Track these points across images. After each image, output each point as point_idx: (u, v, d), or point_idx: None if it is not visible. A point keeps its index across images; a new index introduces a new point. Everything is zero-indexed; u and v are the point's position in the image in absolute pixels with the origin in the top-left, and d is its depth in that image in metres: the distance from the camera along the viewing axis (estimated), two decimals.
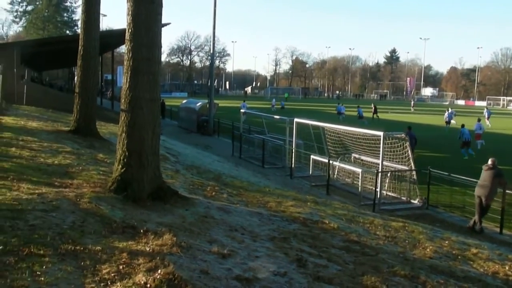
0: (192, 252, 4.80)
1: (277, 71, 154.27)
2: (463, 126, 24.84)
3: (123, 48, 55.30)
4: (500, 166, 11.68)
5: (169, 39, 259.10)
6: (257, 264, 4.88)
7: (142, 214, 6.00)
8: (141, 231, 5.19)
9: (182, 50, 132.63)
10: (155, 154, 7.02)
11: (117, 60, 55.05)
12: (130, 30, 6.77)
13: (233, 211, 7.40)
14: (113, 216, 5.59)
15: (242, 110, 27.99)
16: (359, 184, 13.84)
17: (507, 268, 6.74)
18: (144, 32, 6.75)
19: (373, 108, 45.28)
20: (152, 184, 6.88)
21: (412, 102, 76.74)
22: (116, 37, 29.64)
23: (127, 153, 6.75)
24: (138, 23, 6.74)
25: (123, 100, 6.89)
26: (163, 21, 7.49)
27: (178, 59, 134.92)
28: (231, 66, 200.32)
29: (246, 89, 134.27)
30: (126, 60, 6.85)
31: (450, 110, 40.78)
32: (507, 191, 11.35)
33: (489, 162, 11.49)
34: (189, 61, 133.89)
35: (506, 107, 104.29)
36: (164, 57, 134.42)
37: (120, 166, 6.77)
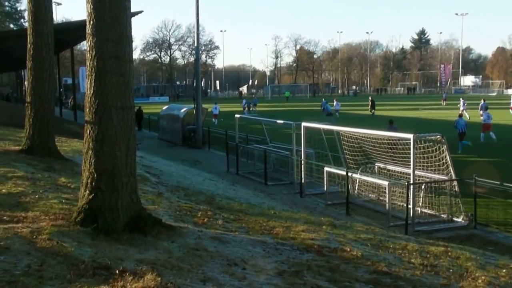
0: None
1: (279, 65, 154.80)
2: (460, 116, 29.35)
3: (84, 45, 55.43)
4: None
5: (142, 31, 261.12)
6: None
7: (117, 251, 5.99)
8: (117, 271, 5.17)
9: (160, 44, 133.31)
10: (131, 174, 7.02)
11: (78, 60, 55.38)
12: (91, 22, 6.79)
13: (231, 241, 7.39)
14: (81, 255, 5.57)
15: (214, 113, 28.33)
16: (387, 201, 13.84)
17: None
18: (109, 24, 6.77)
19: (370, 102, 54.36)
20: (128, 212, 6.86)
21: (444, 95, 76.98)
22: (75, 31, 29.73)
23: (95, 175, 6.74)
24: (102, 12, 6.76)
25: (87, 110, 6.90)
26: (134, 9, 7.53)
27: (155, 55, 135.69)
28: (221, 61, 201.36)
29: (241, 89, 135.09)
30: (89, 60, 6.87)
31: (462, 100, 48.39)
32: None
33: None
34: (169, 57, 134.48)
35: None
36: (137, 54, 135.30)
37: (88, 191, 6.76)
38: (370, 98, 57.94)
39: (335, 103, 53.23)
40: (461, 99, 49.87)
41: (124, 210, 6.76)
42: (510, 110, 46.85)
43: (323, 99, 57.90)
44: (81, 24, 6.65)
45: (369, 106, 53.70)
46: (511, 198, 13.61)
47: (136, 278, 5.00)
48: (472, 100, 60.82)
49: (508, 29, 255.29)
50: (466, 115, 43.26)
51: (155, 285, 4.83)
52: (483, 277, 7.09)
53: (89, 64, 6.87)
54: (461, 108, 46.20)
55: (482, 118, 30.91)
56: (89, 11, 6.82)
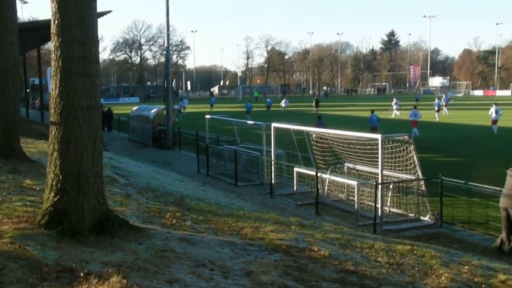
0: None
1: (250, 66, 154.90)
2: (372, 112, 32.14)
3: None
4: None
5: (112, 31, 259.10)
6: None
7: (82, 253, 5.93)
8: (81, 274, 5.11)
9: (130, 44, 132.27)
10: (97, 176, 6.96)
11: (46, 60, 54.55)
12: (56, 22, 6.71)
13: (199, 242, 7.37)
14: (44, 258, 5.49)
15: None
16: (355, 200, 13.96)
17: None
18: (75, 24, 6.70)
19: (315, 101, 63.76)
20: (95, 213, 6.80)
21: (416, 96, 78.69)
22: (42, 30, 29.28)
23: (61, 177, 6.67)
24: (67, 12, 6.69)
25: (52, 110, 6.82)
26: (102, 8, 7.46)
27: (126, 55, 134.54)
28: (193, 61, 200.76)
29: (212, 89, 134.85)
30: (54, 60, 6.79)
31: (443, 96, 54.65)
32: None
33: None
34: (139, 57, 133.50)
35: None
36: (107, 54, 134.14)
37: (53, 193, 6.68)
38: (315, 97, 69.64)
39: (283, 101, 64.13)
40: (394, 99, 55.35)
41: (90, 212, 6.70)
42: (435, 112, 49.25)
43: (250, 101, 63.31)
44: (48, 24, 6.52)
45: (314, 104, 62.46)
46: (475, 197, 13.83)
47: (101, 281, 4.95)
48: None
49: (474, 32, 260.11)
50: (397, 112, 51.05)
51: (121, 287, 4.80)
52: (446, 274, 7.19)
53: (54, 64, 6.79)
54: (395, 107, 52.02)
55: (409, 115, 34.84)
56: (54, 11, 6.74)
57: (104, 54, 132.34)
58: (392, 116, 50.68)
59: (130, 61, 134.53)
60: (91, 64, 6.90)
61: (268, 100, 67.12)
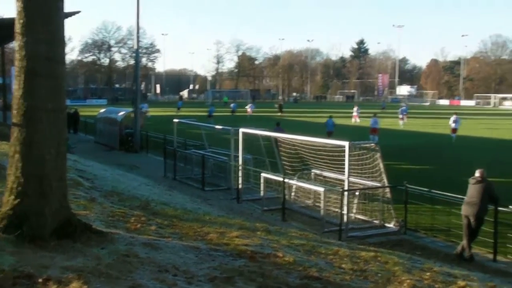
0: None
1: (220, 70, 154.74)
2: (330, 117, 34.95)
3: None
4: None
5: (81, 32, 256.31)
6: None
7: (42, 258, 5.81)
8: (40, 280, 5.01)
9: (99, 45, 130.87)
10: (60, 179, 6.84)
11: (10, 59, 53.58)
12: (22, 21, 6.59)
13: (163, 247, 7.31)
14: (1, 264, 5.37)
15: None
16: (322, 207, 14.03)
17: None
18: (41, 23, 6.59)
19: (279, 106, 68.00)
20: (57, 217, 6.68)
21: (383, 104, 79.90)
22: (6, 28, 28.78)
23: (22, 180, 6.54)
24: (32, 11, 6.58)
25: (15, 111, 6.69)
26: (70, 8, 7.37)
27: (94, 57, 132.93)
28: (162, 65, 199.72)
29: (181, 93, 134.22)
30: (18, 60, 6.66)
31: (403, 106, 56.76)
32: (500, 208, 11.77)
33: (477, 174, 11.85)
34: (108, 59, 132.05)
35: (499, 106, 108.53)
36: (75, 55, 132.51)
37: (13, 196, 6.54)
38: (278, 103, 73.04)
39: (249, 105, 66.24)
40: (354, 106, 59.84)
41: (52, 216, 6.58)
42: (399, 120, 50.72)
43: (212, 105, 68.22)
44: (13, 22, 6.40)
45: (278, 109, 66.16)
46: (438, 204, 14.02)
47: (60, 286, 4.87)
48: (410, 109, 63.08)
49: (441, 42, 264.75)
50: (358, 120, 53.14)
51: None
52: (408, 281, 7.27)
53: (18, 64, 6.66)
54: (354, 114, 54.20)
55: (370, 123, 35.94)
56: (19, 10, 6.61)
57: (72, 55, 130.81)
58: (353, 121, 52.78)
59: (98, 62, 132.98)
60: (56, 65, 6.80)
61: (232, 104, 70.00)
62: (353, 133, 36.38)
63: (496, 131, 44.18)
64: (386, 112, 66.89)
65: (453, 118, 36.95)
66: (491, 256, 11.69)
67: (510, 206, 11.97)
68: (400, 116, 51.34)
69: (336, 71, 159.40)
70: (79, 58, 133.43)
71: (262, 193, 16.40)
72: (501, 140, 37.39)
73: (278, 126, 26.32)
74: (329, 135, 31.34)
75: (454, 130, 36.73)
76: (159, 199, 13.97)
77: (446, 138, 37.19)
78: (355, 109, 55.53)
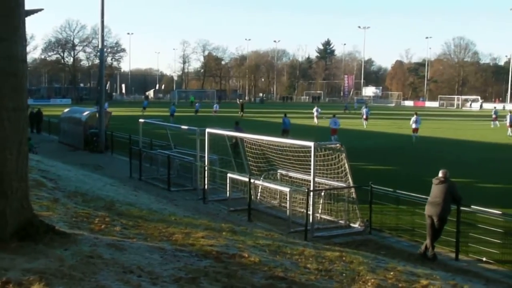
0: None
1: (186, 70, 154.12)
2: (285, 115, 36.69)
3: None
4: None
5: (44, 30, 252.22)
6: None
7: (2, 260, 5.70)
8: None
9: (63, 44, 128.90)
10: (22, 179, 6.73)
11: None
12: None
13: (128, 248, 7.25)
14: None
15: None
16: (287, 207, 14.08)
17: None
18: (0, 21, 6.47)
19: (240, 105, 69.81)
20: (18, 218, 6.56)
21: (355, 105, 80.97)
22: None
23: None
24: None
25: None
26: (32, 5, 7.25)
27: (58, 56, 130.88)
28: (128, 64, 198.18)
29: (147, 93, 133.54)
30: None
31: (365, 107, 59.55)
32: (462, 208, 11.99)
33: (440, 174, 12.03)
34: (72, 58, 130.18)
35: (462, 107, 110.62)
36: (38, 53, 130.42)
37: None
38: (240, 102, 77.15)
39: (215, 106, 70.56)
40: (315, 106, 59.44)
41: (12, 217, 6.46)
42: (363, 120, 52.41)
43: (173, 104, 69.64)
44: None
45: (239, 109, 67.86)
46: (403, 204, 14.21)
47: None
48: (374, 110, 64.05)
49: (406, 44, 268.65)
50: (316, 120, 53.89)
51: None
52: (372, 280, 7.35)
53: None
54: (315, 114, 54.60)
55: (329, 123, 37.18)
56: None
57: (35, 53, 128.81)
58: (315, 122, 53.14)
59: (62, 61, 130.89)
60: (17, 63, 6.68)
61: (197, 104, 75.09)
62: (315, 134, 36.69)
63: (460, 132, 45.00)
64: (349, 113, 67.57)
65: (413, 118, 38.12)
66: (453, 255, 11.89)
67: (472, 206, 12.21)
68: (364, 116, 53.03)
69: (302, 72, 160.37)
70: (42, 56, 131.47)
71: (228, 194, 16.37)
72: (464, 141, 38.12)
73: (237, 125, 27.11)
74: (284, 133, 33.16)
75: (415, 130, 37.92)
76: (124, 200, 13.85)
77: (410, 138, 37.78)
78: (315, 109, 56.24)
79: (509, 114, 44.20)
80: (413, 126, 37.97)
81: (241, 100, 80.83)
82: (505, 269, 11.22)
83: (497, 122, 48.38)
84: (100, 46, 34.56)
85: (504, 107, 61.09)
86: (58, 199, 10.95)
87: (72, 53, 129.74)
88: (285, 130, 34.19)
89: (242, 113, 65.06)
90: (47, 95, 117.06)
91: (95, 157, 27.48)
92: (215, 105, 72.21)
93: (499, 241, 11.84)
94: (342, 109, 75.90)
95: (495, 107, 54.43)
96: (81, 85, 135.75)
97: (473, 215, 12.56)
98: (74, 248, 6.66)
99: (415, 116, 38.37)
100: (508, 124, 43.61)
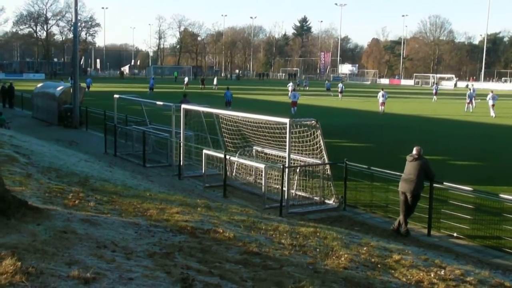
0: (44, 280, 4.60)
1: (162, 46, 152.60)
2: (228, 88, 41.34)
3: None
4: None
5: (15, 2, 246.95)
6: None
7: None
8: None
9: (35, 17, 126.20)
10: None
11: None
12: None
13: (102, 223, 7.23)
14: None
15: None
16: (263, 183, 14.13)
17: (432, 275, 7.21)
18: None
19: (201, 80, 77.53)
20: None
21: (305, 82, 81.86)
22: None
23: None
24: None
25: None
26: None
27: (30, 29, 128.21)
28: (103, 39, 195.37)
29: (122, 68, 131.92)
30: None
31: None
32: (435, 185, 12.16)
33: (414, 151, 12.14)
34: (45, 32, 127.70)
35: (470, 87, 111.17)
36: (9, 27, 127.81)
37: None
38: (201, 78, 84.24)
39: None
40: (290, 82, 62.83)
41: None
42: (339, 94, 58.55)
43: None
44: None
45: (200, 83, 74.89)
46: (377, 181, 14.35)
47: None
48: (351, 88, 64.48)
49: (382, 22, 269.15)
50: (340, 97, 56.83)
51: (14, 270, 4.61)
52: (346, 255, 7.45)
53: None
54: (290, 89, 55.74)
55: (289, 96, 42.19)
56: None
57: (6, 26, 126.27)
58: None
59: (35, 35, 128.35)
60: None
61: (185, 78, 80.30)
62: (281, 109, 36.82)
63: (434, 110, 45.42)
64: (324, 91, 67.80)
65: (380, 93, 42.48)
66: (425, 231, 12.08)
67: (445, 183, 12.38)
68: (339, 90, 59.14)
69: (278, 48, 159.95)
70: (14, 30, 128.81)
71: (203, 170, 16.35)
72: (438, 119, 38.50)
73: (185, 97, 28.07)
74: (228, 105, 37.66)
75: (382, 104, 42.37)
76: (99, 176, 13.78)
77: (387, 117, 38.11)
78: (289, 84, 58.85)
79: (468, 91, 46.28)
80: (380, 100, 42.38)
81: (201, 77, 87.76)
82: (474, 244, 11.45)
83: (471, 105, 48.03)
84: (73, 20, 33.94)
85: (467, 85, 62.37)
86: (31, 175, 10.84)
87: (45, 27, 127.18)
88: (227, 102, 38.50)
89: (203, 86, 72.56)
90: (20, 69, 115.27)
91: (69, 133, 27.20)
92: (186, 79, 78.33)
93: (469, 217, 12.07)
94: (323, 86, 75.76)
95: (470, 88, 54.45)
96: (55, 60, 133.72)
97: (446, 191, 12.72)
98: (47, 223, 6.62)
99: (382, 91, 42.59)
100: (467, 100, 46.02)
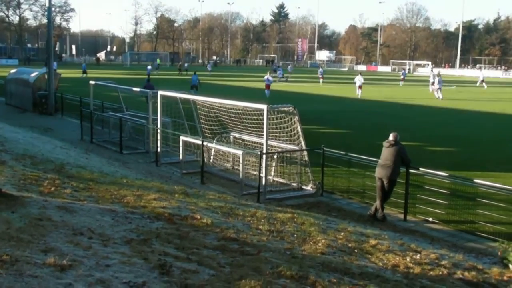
0: (19, 267, 4.56)
1: (138, 32, 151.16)
2: (194, 73, 44.24)
3: None
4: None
5: None
6: (108, 275, 4.78)
7: None
8: None
9: (7, 1, 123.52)
10: None
11: None
12: None
13: (78, 210, 7.19)
14: None
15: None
16: (240, 170, 14.13)
17: (408, 259, 7.32)
18: None
19: (179, 66, 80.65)
20: None
21: (290, 68, 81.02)
22: None
23: None
24: None
25: None
26: None
27: (2, 14, 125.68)
28: (78, 25, 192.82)
29: (98, 55, 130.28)
30: None
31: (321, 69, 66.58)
32: (411, 170, 12.28)
33: (390, 137, 12.21)
34: (18, 17, 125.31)
35: (413, 72, 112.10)
36: None
37: None
38: (178, 64, 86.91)
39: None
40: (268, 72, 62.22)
41: None
42: (320, 79, 61.06)
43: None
44: None
45: (178, 70, 76.41)
46: (354, 167, 14.44)
47: None
48: (328, 74, 64.85)
49: (359, 9, 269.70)
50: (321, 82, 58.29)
51: None
52: (323, 241, 7.51)
53: None
54: (320, 75, 61.64)
55: (264, 79, 44.21)
56: None
57: None
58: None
59: (7, 20, 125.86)
60: None
61: (186, 64, 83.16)
62: (268, 98, 36.84)
63: (410, 97, 45.75)
64: (300, 77, 67.85)
65: (357, 77, 45.46)
66: (401, 216, 12.21)
67: (421, 169, 12.51)
68: (320, 76, 61.76)
69: (256, 35, 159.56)
70: None
71: (181, 157, 16.30)
72: (414, 106, 38.80)
73: (148, 82, 30.18)
74: (194, 88, 39.61)
75: (360, 87, 44.78)
76: (75, 162, 13.68)
77: (365, 103, 38.36)
78: (277, 69, 62.12)
79: (437, 77, 46.73)
80: (358, 83, 44.85)
81: (178, 64, 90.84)
82: (449, 228, 11.61)
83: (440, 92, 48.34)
84: (47, 5, 33.35)
85: (439, 72, 64.47)
86: (5, 162, 10.73)
87: (17, 11, 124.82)
88: (193, 86, 40.30)
89: (180, 72, 73.73)
90: None
91: (44, 120, 26.89)
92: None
93: (444, 202, 12.23)
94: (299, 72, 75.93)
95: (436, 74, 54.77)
96: (29, 45, 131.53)
97: (421, 177, 12.86)
98: (22, 210, 6.56)
99: (359, 75, 45.84)
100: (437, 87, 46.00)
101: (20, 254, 4.89)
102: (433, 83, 48.59)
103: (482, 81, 64.33)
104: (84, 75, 58.47)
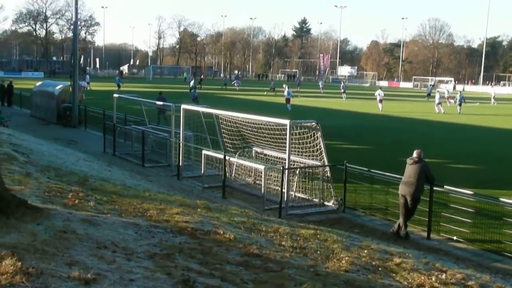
0: (44, 280, 4.56)
1: (161, 46, 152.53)
2: (195, 87, 49.23)
3: None
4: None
5: (15, 1, 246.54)
6: None
7: None
8: None
9: (35, 16, 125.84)
10: None
11: None
12: None
13: (102, 223, 7.19)
14: None
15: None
16: (262, 185, 14.09)
17: (433, 279, 7.18)
18: None
19: (199, 80, 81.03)
20: None
21: (321, 83, 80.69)
22: None
23: None
24: None
25: None
26: None
27: (30, 28, 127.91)
28: (102, 38, 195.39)
29: (122, 68, 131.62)
30: None
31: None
32: (435, 188, 12.13)
33: (414, 154, 12.10)
34: (45, 30, 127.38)
35: (436, 89, 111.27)
36: (8, 25, 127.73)
37: None
38: (199, 78, 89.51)
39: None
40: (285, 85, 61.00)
41: None
42: (343, 94, 62.37)
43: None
44: None
45: (199, 83, 73.93)
46: (377, 183, 14.31)
47: None
48: (350, 89, 64.72)
49: (381, 25, 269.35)
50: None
51: (14, 271, 4.56)
52: (346, 258, 7.42)
53: None
54: (342, 90, 62.81)
55: (284, 93, 44.73)
56: None
57: (5, 24, 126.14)
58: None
59: (34, 34, 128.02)
60: None
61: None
62: (291, 112, 36.79)
63: (433, 114, 45.39)
64: (325, 93, 67.81)
65: (378, 91, 47.34)
66: (425, 234, 12.05)
67: (445, 186, 12.36)
68: (342, 90, 63.08)
69: (278, 50, 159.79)
70: (13, 28, 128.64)
71: (202, 170, 16.31)
72: (438, 122, 38.48)
73: (161, 95, 29.77)
74: (195, 100, 40.21)
75: (381, 101, 46.29)
76: (98, 175, 13.74)
77: (387, 119, 38.14)
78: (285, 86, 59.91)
79: (438, 93, 49.14)
80: (378, 98, 46.54)
81: (200, 77, 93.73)
82: (474, 247, 11.42)
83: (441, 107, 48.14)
84: (73, 19, 33.86)
85: (461, 88, 67.74)
86: (30, 174, 10.80)
87: (44, 25, 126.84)
88: (194, 99, 41.32)
89: (200, 85, 72.68)
90: (18, 67, 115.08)
91: (68, 132, 27.16)
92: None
93: (469, 221, 12.04)
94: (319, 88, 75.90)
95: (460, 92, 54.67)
96: (54, 58, 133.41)
97: (446, 195, 12.71)
98: (47, 223, 6.57)
99: (379, 90, 47.54)
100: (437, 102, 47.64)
101: (45, 266, 4.89)
102: (448, 98, 52.44)
103: (494, 97, 65.53)
104: (118, 88, 58.04)
